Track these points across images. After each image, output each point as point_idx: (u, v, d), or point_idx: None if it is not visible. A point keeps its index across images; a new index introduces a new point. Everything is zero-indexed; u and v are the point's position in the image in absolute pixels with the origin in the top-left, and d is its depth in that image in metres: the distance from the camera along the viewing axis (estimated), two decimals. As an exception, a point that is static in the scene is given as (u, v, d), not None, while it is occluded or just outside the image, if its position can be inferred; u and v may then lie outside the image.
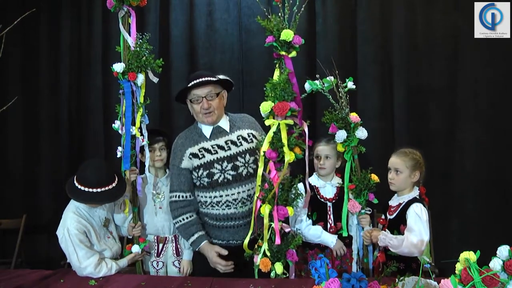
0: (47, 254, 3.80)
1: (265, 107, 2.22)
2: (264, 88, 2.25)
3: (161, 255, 2.63)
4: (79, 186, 2.23)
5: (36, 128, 3.84)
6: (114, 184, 2.26)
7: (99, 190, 2.21)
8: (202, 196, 2.48)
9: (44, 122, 3.84)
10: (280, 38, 2.17)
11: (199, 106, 2.40)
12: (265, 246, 2.22)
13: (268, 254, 2.21)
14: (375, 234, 2.32)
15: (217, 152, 2.43)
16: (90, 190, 2.20)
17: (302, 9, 2.28)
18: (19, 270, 2.46)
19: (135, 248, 2.45)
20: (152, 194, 2.63)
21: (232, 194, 2.42)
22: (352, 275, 1.60)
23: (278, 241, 2.18)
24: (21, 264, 3.52)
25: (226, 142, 2.45)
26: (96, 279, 2.19)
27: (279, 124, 2.20)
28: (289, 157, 2.17)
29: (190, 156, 2.44)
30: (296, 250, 2.30)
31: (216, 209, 2.44)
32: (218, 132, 2.47)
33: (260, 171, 2.25)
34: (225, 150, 2.44)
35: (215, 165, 2.41)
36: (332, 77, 2.45)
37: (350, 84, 2.48)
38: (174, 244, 2.64)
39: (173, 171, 2.50)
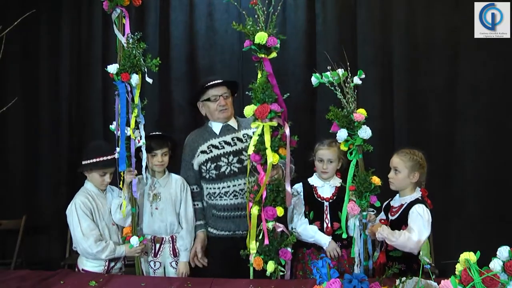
0: (47, 254, 3.80)
1: (248, 111, 2.29)
2: (247, 92, 2.31)
3: (158, 255, 2.62)
4: (82, 163, 2.54)
5: (36, 128, 3.84)
6: (107, 157, 2.50)
7: (91, 160, 2.50)
8: (211, 188, 2.66)
9: (44, 122, 3.84)
10: (255, 42, 2.22)
11: (216, 104, 2.64)
12: (252, 245, 2.30)
13: (254, 252, 2.28)
14: (374, 228, 2.29)
15: (223, 147, 2.65)
16: (86, 161, 2.51)
17: (279, 8, 2.31)
18: (19, 271, 2.46)
19: (134, 240, 2.45)
20: (149, 195, 2.62)
21: (239, 185, 2.61)
22: (354, 276, 1.60)
23: (266, 241, 2.27)
24: (21, 265, 3.53)
25: (232, 139, 2.67)
26: (97, 279, 2.18)
27: (263, 126, 2.25)
28: (272, 159, 2.22)
29: (199, 153, 2.67)
30: (293, 249, 2.31)
31: (224, 200, 2.63)
32: (226, 129, 2.70)
33: (247, 174, 2.39)
34: (231, 146, 2.66)
35: (222, 158, 2.63)
36: (342, 70, 2.36)
37: (356, 79, 2.35)
38: (171, 245, 2.63)
39: (182, 164, 2.75)
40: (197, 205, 2.72)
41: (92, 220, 2.45)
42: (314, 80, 2.40)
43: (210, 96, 2.66)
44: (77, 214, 2.42)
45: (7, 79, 3.80)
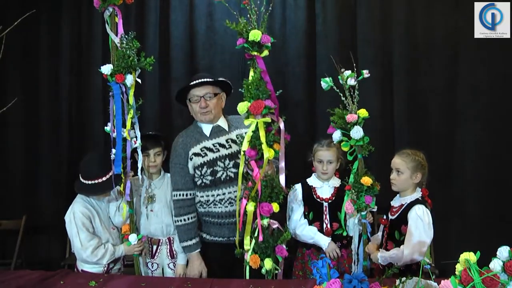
0: (47, 254, 3.80)
1: (242, 107, 2.28)
2: (240, 89, 2.31)
3: (156, 257, 2.62)
4: (80, 180, 2.42)
5: (36, 128, 3.84)
6: (105, 177, 2.37)
7: (90, 182, 2.38)
8: (203, 196, 2.50)
9: (44, 122, 3.84)
10: (249, 39, 2.25)
11: (197, 105, 2.48)
12: (247, 241, 2.28)
13: (249, 249, 2.26)
14: (373, 256, 2.30)
15: (219, 150, 2.49)
16: (85, 182, 2.40)
17: (270, 8, 2.34)
18: (19, 271, 2.45)
19: (132, 237, 2.45)
20: (144, 197, 2.61)
21: (234, 192, 2.45)
22: (354, 276, 1.59)
23: (260, 237, 2.25)
24: (21, 265, 3.52)
25: (226, 141, 2.52)
26: (96, 280, 2.18)
27: (257, 122, 2.26)
28: (268, 154, 2.23)
29: (193, 156, 2.48)
30: (290, 248, 2.31)
31: (219, 207, 2.49)
32: (218, 131, 2.54)
33: (240, 170, 2.32)
34: (226, 148, 2.50)
35: (218, 163, 2.47)
36: (349, 71, 2.40)
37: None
38: (168, 247, 2.62)
39: (176, 169, 2.51)
40: (192, 218, 2.51)
41: (91, 229, 2.41)
42: (324, 84, 2.41)
43: (191, 96, 2.49)
44: (75, 224, 2.38)
45: (7, 79, 3.80)
